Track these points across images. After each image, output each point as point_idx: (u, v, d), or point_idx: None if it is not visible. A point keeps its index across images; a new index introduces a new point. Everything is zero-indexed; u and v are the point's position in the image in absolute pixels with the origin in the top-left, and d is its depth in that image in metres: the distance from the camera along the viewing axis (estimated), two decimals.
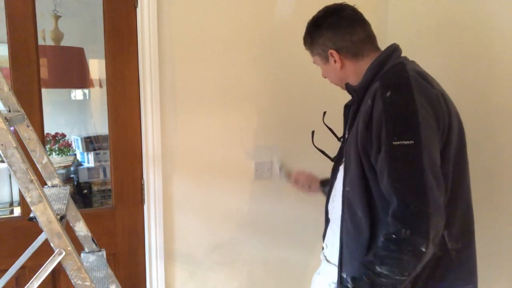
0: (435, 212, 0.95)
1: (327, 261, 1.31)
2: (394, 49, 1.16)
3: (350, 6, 1.20)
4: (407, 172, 0.97)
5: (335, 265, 1.26)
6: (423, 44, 1.75)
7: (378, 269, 0.98)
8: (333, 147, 1.35)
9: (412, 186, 0.96)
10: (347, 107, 1.28)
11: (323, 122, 1.35)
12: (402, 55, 1.18)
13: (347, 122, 1.23)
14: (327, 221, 1.36)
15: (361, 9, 1.22)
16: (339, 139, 1.33)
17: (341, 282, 1.18)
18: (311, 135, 1.42)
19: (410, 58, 1.18)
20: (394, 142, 0.97)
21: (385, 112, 1.00)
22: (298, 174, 1.62)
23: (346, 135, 1.18)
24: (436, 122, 1.02)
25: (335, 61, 1.19)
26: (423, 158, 0.96)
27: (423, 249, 0.94)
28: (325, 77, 1.30)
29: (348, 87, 1.19)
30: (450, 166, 1.06)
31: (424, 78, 1.08)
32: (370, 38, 1.19)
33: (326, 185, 1.49)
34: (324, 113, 1.37)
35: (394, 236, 0.96)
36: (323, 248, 1.38)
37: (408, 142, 0.97)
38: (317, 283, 1.38)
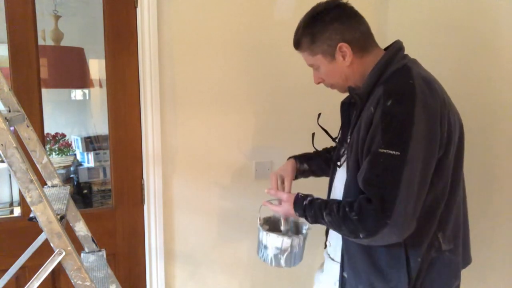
0: (393, 225, 0.95)
1: (331, 259, 1.31)
2: (399, 48, 1.12)
3: (346, 2, 1.15)
4: (383, 180, 0.97)
5: (338, 263, 1.26)
6: (423, 44, 1.75)
7: (324, 214, 1.09)
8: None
9: (382, 194, 0.96)
10: (344, 104, 1.26)
11: (318, 124, 1.32)
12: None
13: (348, 124, 1.21)
14: None
15: (361, 9, 1.20)
16: (334, 139, 1.30)
17: (342, 281, 1.18)
18: (311, 136, 1.41)
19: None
20: (380, 149, 0.97)
21: (382, 120, 0.98)
22: (270, 188, 1.46)
23: (348, 139, 1.16)
24: (432, 139, 0.99)
25: (343, 57, 1.11)
26: (403, 171, 0.95)
27: (361, 236, 1.01)
28: (319, 83, 1.22)
29: (351, 91, 1.14)
30: (449, 174, 1.06)
31: (428, 84, 1.03)
32: (371, 33, 1.15)
33: (304, 163, 1.44)
34: (319, 114, 1.33)
35: (347, 209, 1.03)
36: (326, 246, 1.38)
37: (394, 152, 0.96)
38: (322, 281, 1.38)
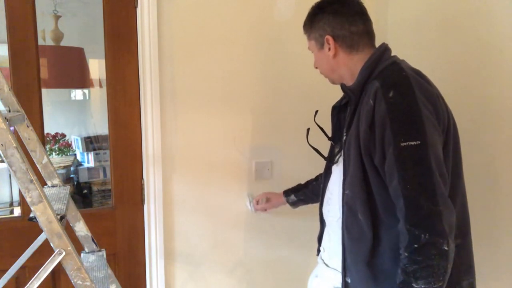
0: (444, 209, 0.96)
1: (326, 265, 1.31)
2: (385, 49, 1.16)
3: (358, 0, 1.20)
4: (417, 173, 0.97)
5: (334, 269, 1.25)
6: (423, 44, 1.75)
7: (415, 286, 0.97)
8: (328, 146, 1.35)
9: (422, 187, 0.97)
10: (334, 108, 1.28)
11: (314, 121, 1.34)
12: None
13: (339, 126, 1.23)
14: (322, 223, 1.35)
15: None
16: (329, 138, 1.32)
17: (345, 287, 1.17)
18: (306, 133, 1.42)
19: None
20: (401, 144, 0.98)
21: (389, 112, 1.00)
22: (257, 197, 1.77)
23: (344, 137, 1.17)
24: (438, 120, 1.03)
25: (329, 49, 1.18)
26: (430, 158, 0.97)
27: (446, 248, 0.95)
28: (316, 67, 1.28)
29: (344, 87, 1.18)
30: (449, 164, 1.07)
31: (420, 75, 1.09)
32: (368, 34, 1.19)
33: (291, 194, 1.63)
34: (316, 112, 1.35)
35: (415, 245, 0.96)
36: (319, 251, 1.37)
37: (415, 142, 0.97)
38: (316, 287, 1.37)
